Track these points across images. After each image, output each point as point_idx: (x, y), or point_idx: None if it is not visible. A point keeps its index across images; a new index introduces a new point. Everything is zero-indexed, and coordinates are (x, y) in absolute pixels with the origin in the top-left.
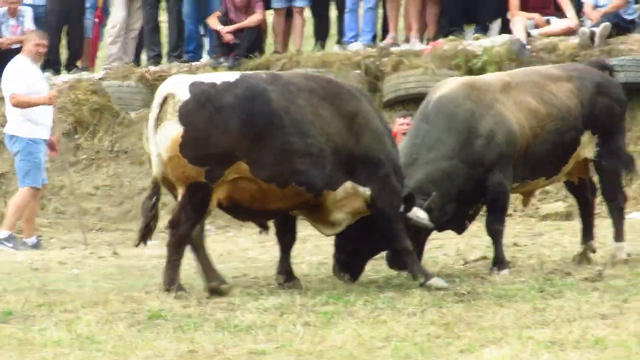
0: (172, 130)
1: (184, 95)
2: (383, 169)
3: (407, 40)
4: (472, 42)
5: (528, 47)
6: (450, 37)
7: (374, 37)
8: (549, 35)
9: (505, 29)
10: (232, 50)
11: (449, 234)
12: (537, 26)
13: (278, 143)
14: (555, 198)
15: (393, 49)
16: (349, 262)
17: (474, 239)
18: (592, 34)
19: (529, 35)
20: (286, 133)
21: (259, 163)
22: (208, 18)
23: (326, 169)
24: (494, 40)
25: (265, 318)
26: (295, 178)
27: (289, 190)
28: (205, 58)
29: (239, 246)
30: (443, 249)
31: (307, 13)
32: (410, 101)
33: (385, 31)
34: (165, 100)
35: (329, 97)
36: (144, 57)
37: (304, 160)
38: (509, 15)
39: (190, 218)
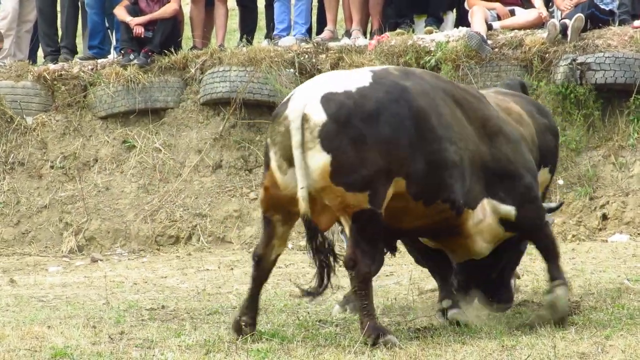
0: (318, 160)
1: (319, 116)
2: (523, 181)
3: (347, 34)
4: (424, 37)
5: (489, 42)
6: (398, 31)
7: (309, 31)
8: (513, 29)
9: (462, 21)
10: (144, 46)
11: (399, 260)
12: (499, 18)
13: (427, 151)
14: None
15: (331, 44)
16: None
17: None
18: (564, 27)
19: (489, 28)
20: (434, 139)
21: (413, 177)
22: (115, 8)
23: (466, 183)
24: (449, 35)
25: (188, 357)
26: (442, 194)
27: (433, 209)
28: (112, 54)
29: (156, 273)
30: (395, 276)
31: (231, 3)
32: None
33: (322, 24)
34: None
35: (458, 99)
36: (40, 53)
37: (451, 172)
38: (466, 5)
39: (367, 252)
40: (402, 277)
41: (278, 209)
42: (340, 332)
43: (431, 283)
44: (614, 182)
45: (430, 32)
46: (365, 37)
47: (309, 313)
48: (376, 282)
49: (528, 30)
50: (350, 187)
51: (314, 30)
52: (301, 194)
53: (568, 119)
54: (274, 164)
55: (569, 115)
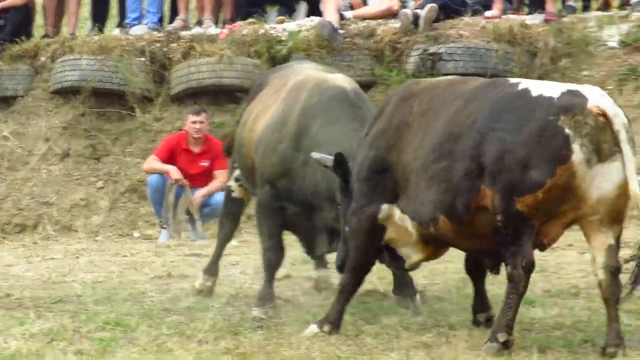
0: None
1: (624, 117)
2: None
3: (199, 23)
4: (276, 26)
5: (341, 31)
6: (250, 20)
7: (161, 20)
8: (365, 18)
9: (315, 10)
10: None
11: (244, 249)
12: (351, 7)
13: None
14: None
15: (183, 33)
16: None
17: None
18: (416, 17)
19: (342, 18)
20: None
21: None
22: None
23: None
24: (301, 24)
25: (32, 345)
26: None
27: None
28: None
29: (1, 261)
30: (240, 266)
31: None
32: (203, 94)
33: (174, 12)
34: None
35: None
36: None
37: None
38: None
39: None
40: (247, 266)
41: (553, 210)
42: (184, 321)
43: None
44: None
45: (282, 22)
46: (217, 26)
47: (153, 302)
48: (222, 271)
49: (380, 20)
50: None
51: (166, 19)
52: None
53: None
54: (580, 156)
55: None
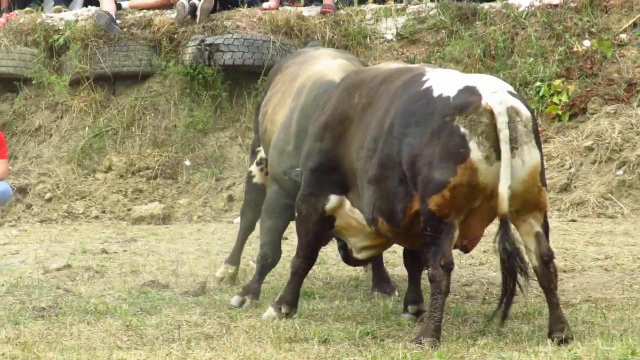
0: (533, 156)
1: (526, 110)
2: None
3: None
4: (53, 15)
5: (118, 21)
6: (27, 9)
7: None
8: (142, 9)
9: (92, 0)
10: None
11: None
12: None
13: None
14: (150, 198)
15: None
16: None
17: (56, 245)
18: (193, 8)
19: (119, 7)
20: None
21: None
22: None
23: None
24: (78, 13)
25: None
26: None
27: None
28: None
29: None
30: (21, 255)
31: None
32: None
33: None
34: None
35: None
36: None
37: None
38: None
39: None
40: (27, 255)
41: (464, 208)
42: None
43: (56, 262)
44: (240, 164)
45: (60, 11)
46: None
47: None
48: (1, 260)
49: (157, 11)
50: (545, 185)
51: None
52: (506, 192)
53: (196, 100)
54: (477, 154)
55: (197, 96)
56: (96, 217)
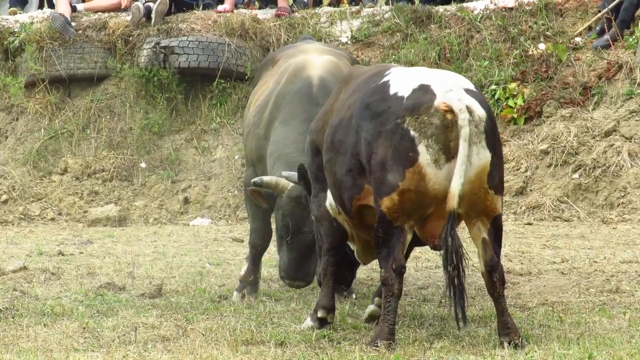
0: (482, 157)
1: (480, 110)
2: None
3: None
4: (8, 17)
5: (73, 24)
6: None
7: None
8: (97, 11)
9: (47, 2)
10: None
11: None
12: (83, 0)
13: None
14: (106, 200)
15: None
16: None
17: (12, 247)
18: (148, 10)
19: (74, 10)
20: None
21: None
22: None
23: None
24: (33, 16)
25: None
26: None
27: None
28: None
29: None
30: None
31: None
32: None
33: None
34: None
35: None
36: None
37: None
38: None
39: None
40: None
41: (413, 214)
42: None
43: (12, 264)
44: (196, 166)
45: (15, 13)
46: None
47: None
48: None
49: (112, 13)
50: (497, 189)
51: None
52: (457, 189)
53: (152, 103)
54: (426, 158)
55: (152, 98)
56: (52, 219)
